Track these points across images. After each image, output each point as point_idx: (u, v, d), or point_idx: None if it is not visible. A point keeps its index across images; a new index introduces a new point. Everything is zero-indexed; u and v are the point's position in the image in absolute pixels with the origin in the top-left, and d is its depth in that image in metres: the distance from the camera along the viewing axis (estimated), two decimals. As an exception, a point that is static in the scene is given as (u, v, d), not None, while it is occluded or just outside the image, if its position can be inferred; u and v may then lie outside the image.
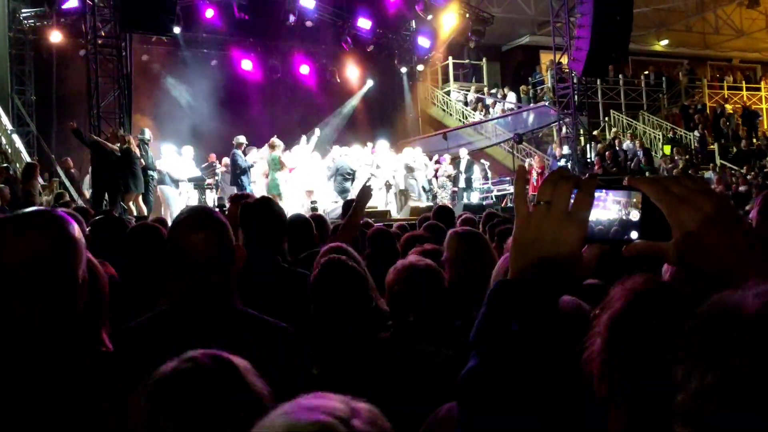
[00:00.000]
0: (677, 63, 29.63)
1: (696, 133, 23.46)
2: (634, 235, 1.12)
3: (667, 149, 22.34)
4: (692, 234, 1.05)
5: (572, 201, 1.10)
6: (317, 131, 16.86)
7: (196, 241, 2.32)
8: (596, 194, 1.11)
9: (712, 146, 22.94)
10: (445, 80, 26.81)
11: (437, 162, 18.66)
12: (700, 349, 0.77)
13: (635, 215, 1.12)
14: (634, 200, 1.12)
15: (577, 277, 1.17)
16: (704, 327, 0.78)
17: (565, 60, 20.42)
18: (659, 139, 23.25)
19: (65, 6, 16.84)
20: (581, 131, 21.13)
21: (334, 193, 15.95)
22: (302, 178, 15.56)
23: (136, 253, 3.93)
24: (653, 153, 22.39)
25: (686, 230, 1.05)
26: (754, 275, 0.84)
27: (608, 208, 1.13)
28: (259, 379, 1.47)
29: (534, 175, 19.01)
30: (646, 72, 27.64)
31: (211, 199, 15.81)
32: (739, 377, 0.72)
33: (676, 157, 21.41)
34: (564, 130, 20.89)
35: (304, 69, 22.98)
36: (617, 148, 21.64)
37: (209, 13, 20.02)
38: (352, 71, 23.74)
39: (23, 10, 17.87)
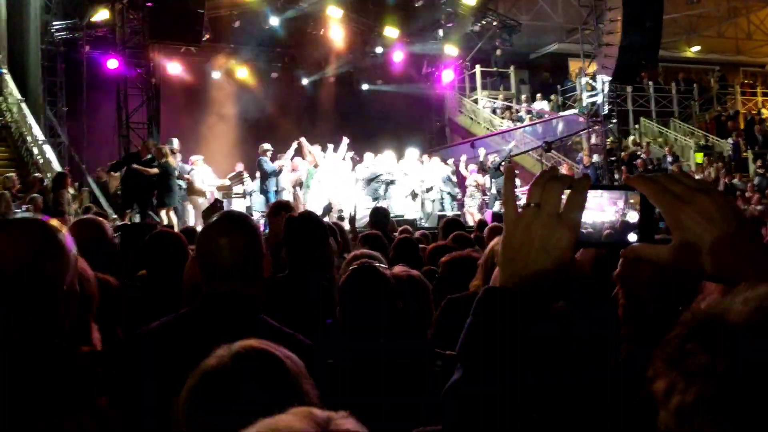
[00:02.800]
0: (709, 69, 29.21)
1: (729, 140, 23.07)
2: (632, 237, 1.06)
3: (700, 157, 21.99)
4: (692, 235, 0.99)
5: (563, 203, 1.04)
6: (345, 140, 16.85)
7: (221, 245, 2.31)
8: (591, 195, 1.05)
9: (745, 153, 22.53)
10: (473, 88, 26.69)
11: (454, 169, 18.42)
12: (683, 360, 0.71)
13: (633, 216, 1.06)
14: (632, 201, 1.06)
15: (572, 282, 1.09)
16: (687, 336, 0.72)
17: (594, 67, 20.23)
18: (691, 147, 22.89)
19: (95, 18, 17.02)
20: (610, 139, 20.91)
21: (366, 200, 15.90)
22: (329, 187, 15.54)
23: (157, 259, 3.92)
24: (685, 161, 22.06)
25: (685, 231, 0.99)
26: (753, 276, 0.80)
27: (604, 209, 1.07)
28: (307, 380, 1.44)
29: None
30: (677, 79, 27.26)
31: (238, 208, 15.87)
32: (726, 392, 0.66)
33: (709, 166, 21.07)
34: (593, 138, 20.68)
35: (331, 78, 23.03)
36: (645, 156, 21.33)
37: (237, 23, 20.13)
38: (379, 80, 23.73)
39: (54, 23, 18.11)
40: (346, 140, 16.84)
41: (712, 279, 1.02)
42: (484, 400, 0.99)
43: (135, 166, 13.70)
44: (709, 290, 1.08)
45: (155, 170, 13.42)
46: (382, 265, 3.28)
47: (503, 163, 17.58)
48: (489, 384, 1.00)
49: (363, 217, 14.59)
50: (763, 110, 26.81)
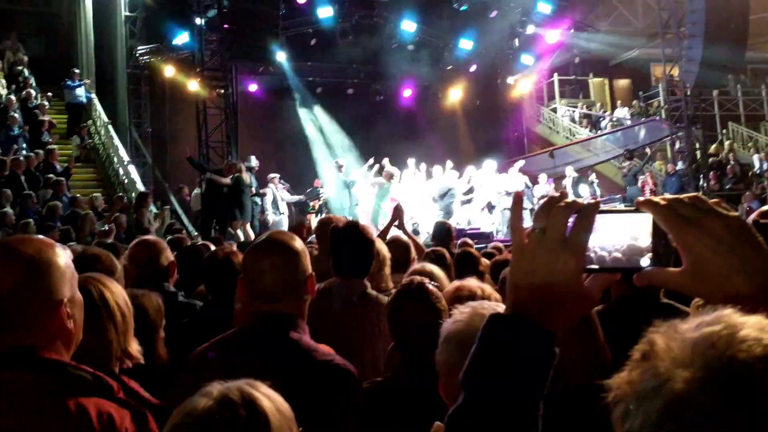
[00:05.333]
0: (801, 70, 27.94)
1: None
2: (644, 262, 1.02)
3: (793, 161, 20.99)
4: (702, 259, 0.95)
5: (570, 227, 1.02)
6: (411, 161, 16.89)
7: (264, 267, 2.35)
8: (602, 219, 1.03)
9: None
10: (551, 97, 26.30)
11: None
12: (637, 385, 0.72)
13: (645, 241, 1.02)
14: (644, 224, 1.02)
15: (579, 310, 1.06)
16: (643, 361, 0.73)
17: (676, 72, 19.64)
18: (783, 150, 21.90)
19: (176, 41, 17.60)
20: (696, 145, 20.21)
21: (439, 215, 15.87)
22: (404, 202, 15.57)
23: (213, 280, 3.97)
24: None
25: (695, 255, 0.96)
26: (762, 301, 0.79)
27: (615, 233, 1.04)
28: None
29: (647, 192, 18.36)
30: (767, 80, 26.15)
31: (315, 223, 16.07)
32: (669, 415, 0.68)
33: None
34: (677, 144, 20.05)
35: (407, 92, 23.07)
36: (733, 162, 20.48)
37: (313, 41, 20.44)
38: (455, 92, 23.65)
39: (139, 47, 18.80)
40: (411, 160, 16.86)
41: (721, 303, 0.96)
42: (486, 427, 1.00)
43: (211, 175, 14.10)
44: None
45: (227, 180, 13.74)
46: (433, 283, 3.23)
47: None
48: (492, 411, 1.00)
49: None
50: None
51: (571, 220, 1.03)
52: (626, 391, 0.73)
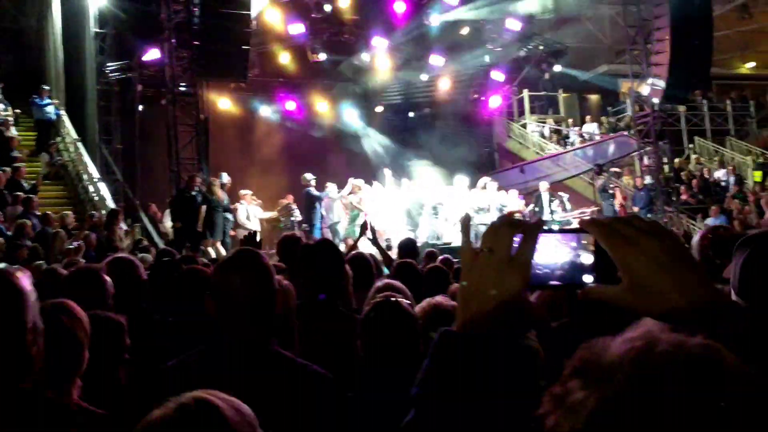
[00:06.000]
0: (766, 85, 28.46)
1: (790, 156, 22.40)
2: (588, 278, 1.07)
3: (758, 175, 21.36)
4: (640, 277, 1.00)
5: (516, 247, 1.06)
6: (387, 171, 16.96)
7: (235, 282, 2.39)
8: (544, 238, 1.08)
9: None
10: (521, 113, 26.55)
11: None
12: (565, 397, 0.75)
13: (588, 258, 1.07)
14: (585, 242, 1.07)
15: (528, 324, 1.10)
16: (571, 374, 0.77)
17: (643, 88, 19.94)
18: (749, 165, 22.27)
19: (146, 58, 17.52)
20: (664, 160, 20.52)
21: (405, 228, 15.94)
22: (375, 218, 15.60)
23: (185, 296, 3.99)
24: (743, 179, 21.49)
25: (633, 273, 1.01)
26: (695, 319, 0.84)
27: (559, 251, 1.09)
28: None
29: (616, 206, 18.60)
30: (732, 96, 26.63)
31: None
32: (592, 427, 0.71)
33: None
34: (645, 159, 20.33)
35: (378, 108, 23.18)
36: (704, 176, 20.82)
37: (284, 57, 20.47)
38: (426, 108, 23.81)
39: (108, 64, 18.67)
40: (387, 171, 16.93)
41: (659, 320, 1.00)
42: None
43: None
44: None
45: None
46: (406, 301, 3.26)
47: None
48: (442, 427, 1.02)
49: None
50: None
51: (517, 239, 1.07)
52: (556, 404, 0.76)
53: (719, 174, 21.19)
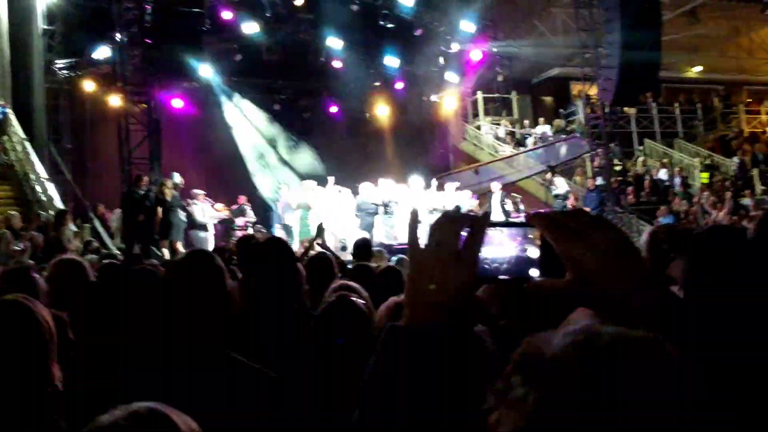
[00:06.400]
0: (712, 89, 29.20)
1: (735, 159, 22.98)
2: (534, 272, 1.08)
3: (705, 177, 21.88)
4: (585, 269, 1.01)
5: (463, 241, 1.06)
6: (330, 179, 16.94)
7: (186, 283, 2.39)
8: (491, 232, 1.08)
9: (751, 173, 22.42)
10: (475, 115, 26.76)
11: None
12: (507, 393, 0.75)
13: (534, 252, 1.08)
14: (531, 236, 1.08)
15: (477, 317, 1.11)
16: (513, 370, 0.77)
17: (594, 90, 20.27)
18: (696, 166, 22.80)
19: (96, 56, 17.22)
20: (614, 161, 20.89)
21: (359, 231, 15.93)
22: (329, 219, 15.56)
23: (136, 297, 3.92)
24: (690, 181, 21.99)
25: (578, 265, 1.01)
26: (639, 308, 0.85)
27: (505, 245, 1.09)
28: None
29: (569, 207, 18.83)
30: (680, 99, 27.25)
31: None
32: (533, 422, 0.70)
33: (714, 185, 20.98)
34: (597, 160, 20.66)
35: (333, 108, 23.13)
36: (652, 177, 21.26)
37: (237, 57, 20.29)
38: (381, 109, 23.83)
39: (57, 61, 18.29)
40: (330, 179, 16.91)
41: (603, 310, 1.03)
42: None
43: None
44: (577, 316, 1.07)
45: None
46: (360, 300, 3.27)
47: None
48: (388, 423, 1.02)
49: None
50: (768, 129, 26.78)
51: (464, 233, 1.07)
52: (499, 400, 0.76)
53: (661, 175, 21.67)
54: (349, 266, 5.76)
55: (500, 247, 1.09)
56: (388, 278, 4.94)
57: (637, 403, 0.68)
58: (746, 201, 19.35)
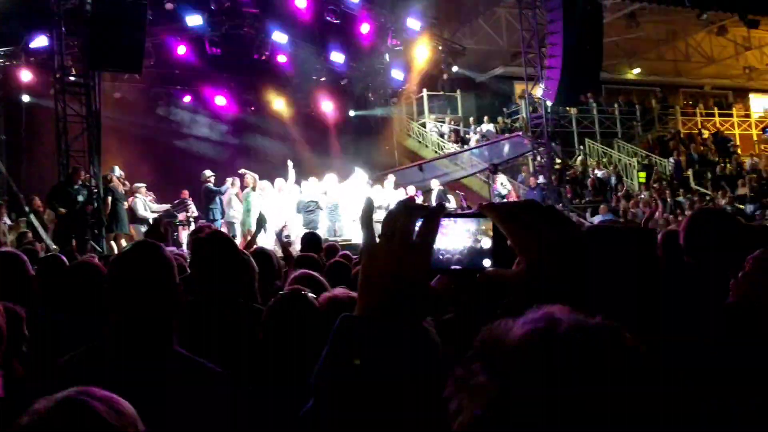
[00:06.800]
0: (650, 90, 29.96)
1: (671, 159, 23.63)
2: (486, 262, 1.09)
3: (642, 176, 22.45)
4: (536, 260, 1.03)
5: (417, 231, 1.06)
6: (290, 163, 16.85)
7: (132, 276, 2.33)
8: (445, 223, 1.09)
9: (687, 172, 23.10)
10: (420, 112, 26.89)
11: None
12: (468, 381, 0.75)
13: (487, 243, 1.09)
14: (484, 227, 1.09)
15: (431, 307, 1.12)
16: (474, 357, 0.77)
17: (537, 90, 20.57)
18: (634, 166, 23.36)
19: (33, 45, 16.70)
20: (555, 160, 21.25)
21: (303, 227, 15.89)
22: (274, 212, 15.45)
23: (76, 291, 3.85)
24: (629, 180, 22.53)
25: (529, 254, 1.03)
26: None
27: (459, 236, 1.10)
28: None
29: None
30: (620, 100, 27.88)
31: (184, 236, 15.72)
32: (496, 410, 0.71)
33: (653, 184, 21.55)
34: (538, 159, 20.99)
35: (278, 103, 22.96)
36: (591, 176, 21.72)
37: (181, 49, 19.97)
38: (326, 104, 23.76)
39: (-8, 50, 17.72)
40: (290, 163, 16.82)
41: (552, 299, 1.03)
42: (334, 429, 1.02)
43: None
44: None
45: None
46: (311, 294, 3.25)
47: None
48: (341, 413, 1.01)
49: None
50: (704, 131, 27.56)
51: (418, 224, 1.07)
52: (460, 387, 0.76)
53: (598, 174, 22.14)
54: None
55: (453, 238, 1.10)
56: (337, 272, 4.95)
57: (597, 390, 0.70)
58: (681, 199, 19.96)
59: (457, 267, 1.10)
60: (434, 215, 1.08)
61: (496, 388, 0.72)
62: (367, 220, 1.14)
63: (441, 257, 1.10)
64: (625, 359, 0.73)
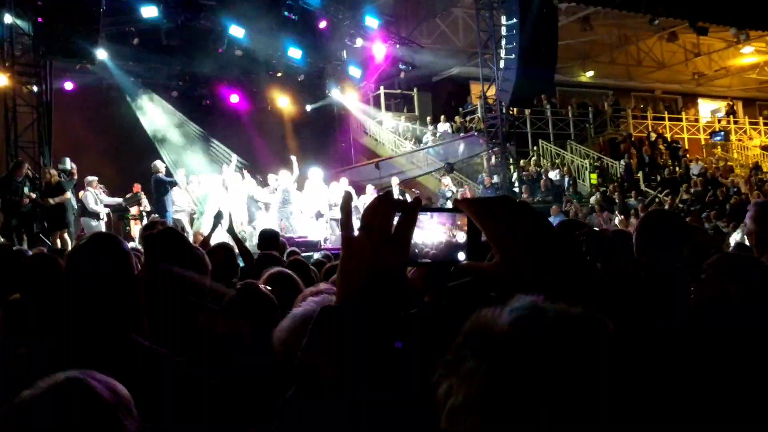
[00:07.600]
0: (603, 93, 30.47)
1: (622, 162, 24.07)
2: (461, 256, 1.13)
3: (594, 178, 22.84)
4: (510, 252, 1.06)
5: (395, 225, 1.09)
6: (234, 157, 16.76)
7: (91, 267, 2.31)
8: (421, 217, 1.12)
9: (637, 175, 23.55)
10: (377, 109, 26.92)
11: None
12: (458, 365, 0.79)
13: (461, 237, 1.13)
14: (459, 222, 1.13)
15: (406, 300, 1.15)
16: (463, 343, 0.81)
17: (493, 91, 20.77)
18: (587, 167, 23.74)
19: (-20, 32, 16.26)
20: (510, 160, 21.49)
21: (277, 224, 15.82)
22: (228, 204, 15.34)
23: (33, 284, 3.78)
24: (581, 181, 22.88)
25: (504, 247, 1.07)
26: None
27: (434, 230, 1.14)
28: (128, 415, 1.42)
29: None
30: (573, 102, 28.29)
31: (137, 230, 15.53)
32: (486, 392, 0.75)
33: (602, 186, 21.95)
34: (493, 159, 21.20)
35: (234, 98, 22.75)
36: (545, 177, 22.01)
37: (136, 40, 19.63)
38: (283, 100, 23.63)
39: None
40: (234, 157, 16.73)
41: (528, 289, 1.06)
42: (314, 417, 1.03)
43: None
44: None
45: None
46: (267, 287, 3.27)
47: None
48: (321, 401, 1.03)
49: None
50: (652, 133, 28.13)
51: (396, 218, 1.10)
52: (449, 372, 0.80)
53: (552, 175, 22.46)
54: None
55: (429, 233, 1.13)
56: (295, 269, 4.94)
57: (582, 375, 0.74)
58: (632, 201, 20.35)
59: (434, 260, 1.13)
60: (412, 209, 1.10)
61: (485, 372, 0.76)
62: (345, 212, 1.16)
63: (417, 251, 1.13)
64: (607, 345, 0.77)
